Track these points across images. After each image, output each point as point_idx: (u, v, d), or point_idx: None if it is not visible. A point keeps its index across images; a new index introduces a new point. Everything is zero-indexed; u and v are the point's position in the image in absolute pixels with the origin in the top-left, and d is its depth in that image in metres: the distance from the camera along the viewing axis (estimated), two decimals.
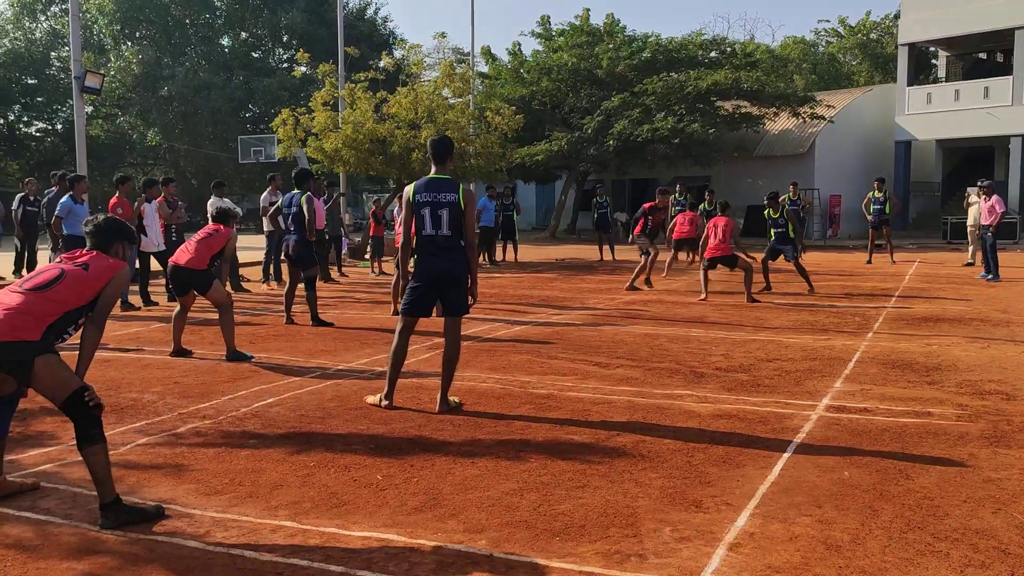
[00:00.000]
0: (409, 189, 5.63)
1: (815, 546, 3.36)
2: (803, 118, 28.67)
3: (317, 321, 9.41)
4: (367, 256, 18.73)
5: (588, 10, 32.40)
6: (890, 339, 8.33)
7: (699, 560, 3.25)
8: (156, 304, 11.55)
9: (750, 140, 30.31)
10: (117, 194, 11.53)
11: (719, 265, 11.94)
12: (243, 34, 43.98)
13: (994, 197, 14.54)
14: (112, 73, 37.45)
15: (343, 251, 17.44)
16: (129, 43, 40.83)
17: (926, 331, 8.82)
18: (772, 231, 13.09)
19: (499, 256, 19.61)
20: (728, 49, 30.32)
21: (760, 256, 13.03)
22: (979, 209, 17.05)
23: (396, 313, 5.89)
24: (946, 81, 32.83)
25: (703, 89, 27.12)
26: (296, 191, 9.53)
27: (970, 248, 17.63)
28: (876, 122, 31.70)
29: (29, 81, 40.59)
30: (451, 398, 5.69)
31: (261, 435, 5.04)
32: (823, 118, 28.64)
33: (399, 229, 16.63)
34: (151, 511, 3.73)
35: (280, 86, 38.38)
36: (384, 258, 17.67)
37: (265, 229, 14.35)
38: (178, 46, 41.38)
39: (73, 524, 3.68)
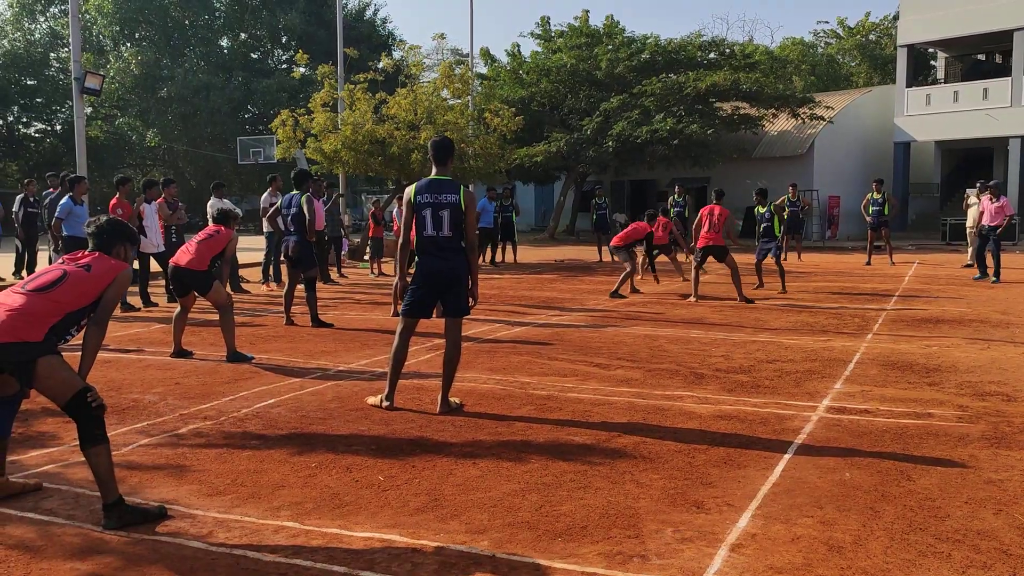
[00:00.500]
0: (410, 190, 5.64)
1: (817, 547, 3.37)
2: (802, 119, 28.71)
3: (317, 322, 9.41)
4: (366, 257, 18.74)
5: (587, 11, 32.45)
6: (890, 340, 8.35)
7: (701, 561, 3.25)
8: (156, 305, 11.56)
9: (749, 141, 30.34)
10: (117, 195, 11.53)
11: (709, 257, 11.91)
12: (242, 35, 44.00)
13: (1003, 198, 14.33)
14: (111, 74, 37.44)
15: (342, 252, 17.44)
16: (128, 44, 40.83)
17: (926, 332, 8.83)
18: (760, 226, 13.43)
19: (498, 257, 19.62)
20: (727, 50, 30.35)
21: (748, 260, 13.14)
22: (979, 211, 17.11)
23: (397, 314, 5.88)
24: (945, 82, 32.86)
25: (702, 90, 27.14)
26: (296, 192, 9.53)
27: (969, 249, 17.64)
28: (875, 123, 31.73)
29: (28, 82, 40.57)
30: (452, 399, 5.69)
31: (262, 436, 5.05)
32: (822, 119, 28.67)
33: (397, 229, 16.74)
34: (154, 511, 3.73)
35: (279, 87, 38.40)
36: (384, 259, 17.68)
37: (265, 230, 14.35)
38: (177, 47, 41.39)
39: (76, 525, 3.68)
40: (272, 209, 14.29)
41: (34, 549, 3.42)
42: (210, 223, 8.16)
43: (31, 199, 14.85)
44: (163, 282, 12.17)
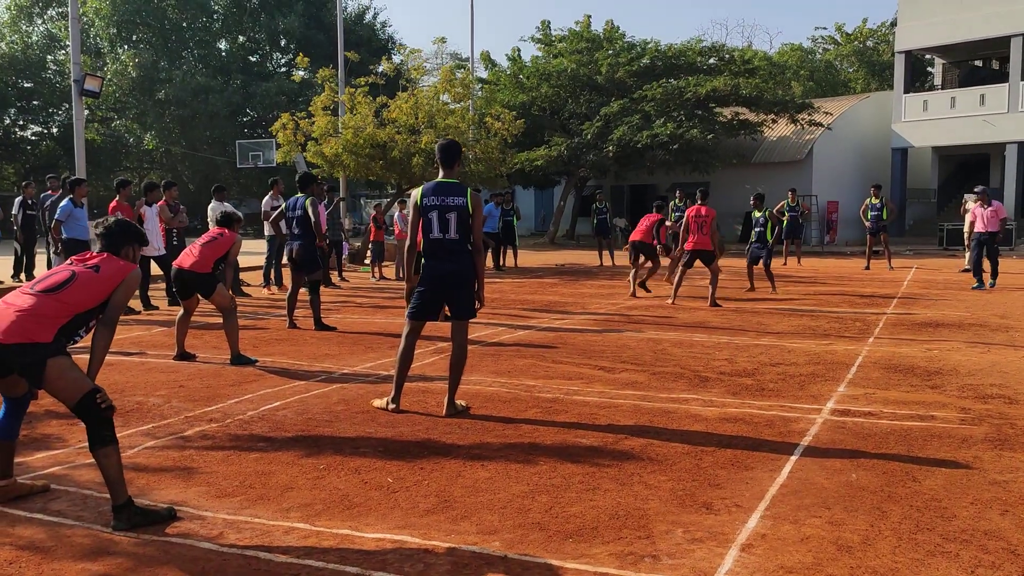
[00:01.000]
0: (417, 193, 5.65)
1: (826, 547, 3.38)
2: (801, 125, 28.79)
3: (320, 325, 9.41)
4: (367, 261, 18.75)
5: (589, 16, 32.53)
6: (891, 344, 8.37)
7: (712, 561, 3.27)
8: (156, 308, 11.56)
9: (748, 147, 30.41)
10: (117, 198, 11.53)
11: (697, 261, 11.89)
12: (240, 38, 44.03)
13: (994, 203, 14.22)
14: (109, 77, 37.44)
15: (343, 256, 17.45)
16: (126, 46, 40.83)
17: (926, 336, 8.86)
18: (753, 231, 13.60)
19: (500, 262, 19.63)
20: (727, 56, 30.45)
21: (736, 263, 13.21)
22: (971, 216, 17.16)
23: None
24: (942, 88, 32.98)
25: (702, 95, 27.23)
26: (300, 195, 9.54)
27: (967, 255, 17.68)
28: (873, 129, 31.83)
29: (25, 84, 40.55)
30: (458, 402, 5.70)
31: (269, 438, 5.05)
32: (821, 125, 28.76)
33: (398, 232, 16.77)
34: (163, 513, 3.74)
35: (278, 90, 38.42)
36: (384, 263, 17.69)
37: (266, 233, 14.36)
38: (175, 50, 41.39)
39: (85, 526, 3.68)
40: (276, 213, 14.33)
41: (44, 550, 3.42)
42: (211, 226, 8.16)
43: (29, 201, 14.84)
44: (163, 285, 12.19)
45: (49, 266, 12.84)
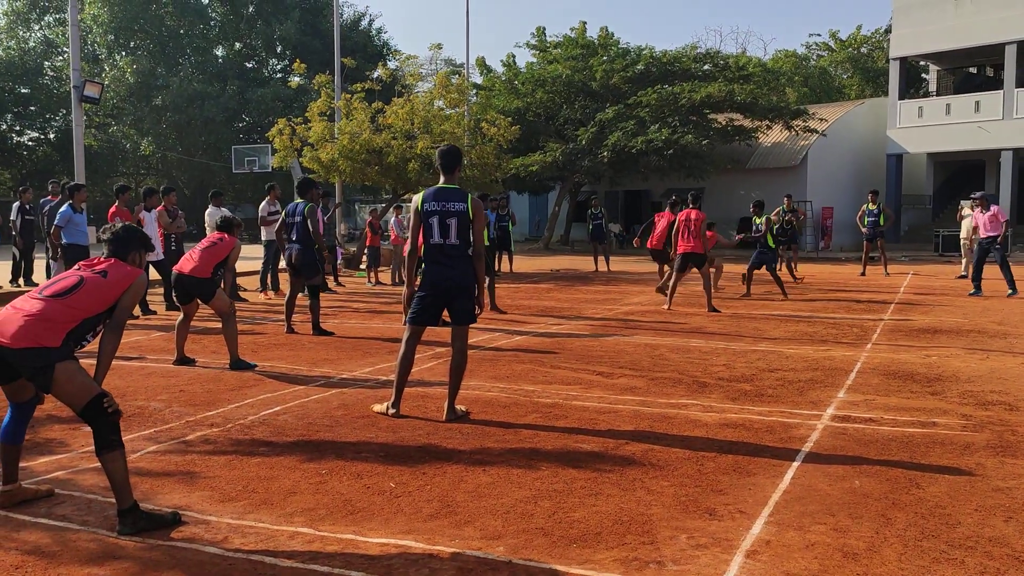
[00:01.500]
0: (418, 198, 5.67)
1: (832, 554, 3.39)
2: (795, 131, 28.88)
3: (318, 330, 9.41)
4: (363, 266, 18.74)
5: (584, 23, 32.63)
6: (889, 350, 8.40)
7: (717, 567, 3.27)
8: (155, 313, 11.54)
9: (743, 152, 30.49)
10: (116, 203, 11.52)
11: (689, 266, 11.87)
12: (237, 45, 44.04)
13: (993, 207, 14.07)
14: (106, 83, 37.39)
15: (338, 261, 17.44)
16: (123, 53, 40.81)
17: (924, 342, 8.89)
18: (752, 234, 13.83)
19: (495, 267, 19.62)
20: (721, 62, 30.55)
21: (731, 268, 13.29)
22: (972, 222, 17.23)
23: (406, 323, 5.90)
24: (937, 95, 33.12)
25: (697, 101, 27.31)
26: (299, 201, 9.54)
27: (963, 261, 17.76)
28: (868, 135, 31.94)
29: (22, 90, 40.48)
30: (458, 407, 5.70)
31: (271, 443, 5.05)
32: (815, 131, 28.85)
33: (394, 237, 16.77)
34: (168, 517, 3.73)
35: (274, 96, 38.42)
36: (380, 268, 17.69)
37: (263, 238, 14.34)
38: (172, 56, 41.37)
39: (90, 530, 3.68)
40: (272, 218, 14.32)
41: (50, 555, 3.42)
42: (208, 231, 8.17)
43: (27, 207, 14.82)
44: (162, 290, 12.17)
45: (47, 271, 12.82)
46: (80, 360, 3.70)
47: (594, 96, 29.99)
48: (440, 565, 3.31)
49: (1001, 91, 28.68)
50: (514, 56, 33.36)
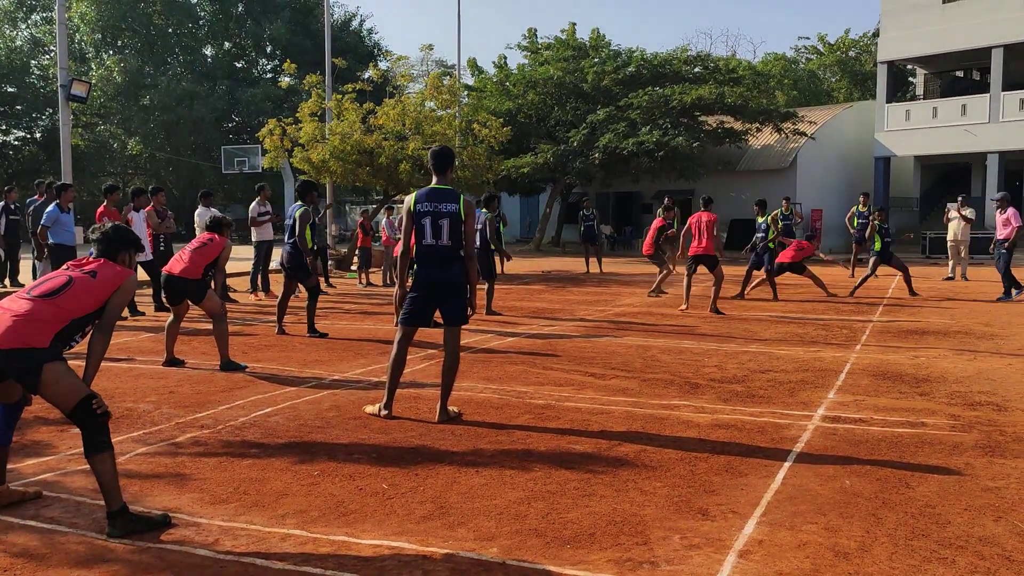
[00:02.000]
0: (410, 199, 5.66)
1: (824, 553, 3.40)
2: (785, 134, 28.99)
3: (312, 331, 9.37)
4: (354, 268, 18.69)
5: (574, 24, 32.65)
6: (878, 351, 8.43)
7: (711, 567, 3.28)
8: (143, 314, 11.47)
9: (733, 155, 30.59)
10: (105, 203, 11.46)
11: (699, 267, 11.98)
12: (226, 44, 43.85)
13: (1010, 210, 13.63)
14: (93, 82, 37.17)
15: (328, 263, 17.39)
16: (111, 52, 40.58)
17: (912, 343, 8.93)
18: (756, 237, 13.82)
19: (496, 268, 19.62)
20: (711, 65, 30.63)
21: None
22: (959, 224, 17.35)
23: (398, 324, 5.88)
24: (924, 98, 33.31)
25: (687, 104, 27.37)
26: (297, 202, 9.47)
27: (950, 263, 17.87)
28: (856, 138, 32.10)
29: (8, 89, 40.19)
30: (450, 408, 5.69)
31: (262, 444, 5.03)
32: (804, 134, 28.97)
33: (385, 238, 16.74)
34: (158, 519, 3.71)
35: (264, 96, 38.25)
36: (371, 269, 17.65)
37: (253, 239, 14.29)
38: (160, 55, 41.15)
39: (79, 533, 3.65)
40: (263, 219, 14.27)
41: (39, 557, 3.39)
42: (198, 232, 8.13)
43: (13, 206, 14.71)
44: (150, 291, 12.11)
45: (33, 272, 12.73)
46: (68, 361, 3.67)
47: (585, 98, 30.02)
48: (433, 567, 3.30)
49: (987, 95, 28.87)
50: (505, 57, 33.35)
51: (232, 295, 13.95)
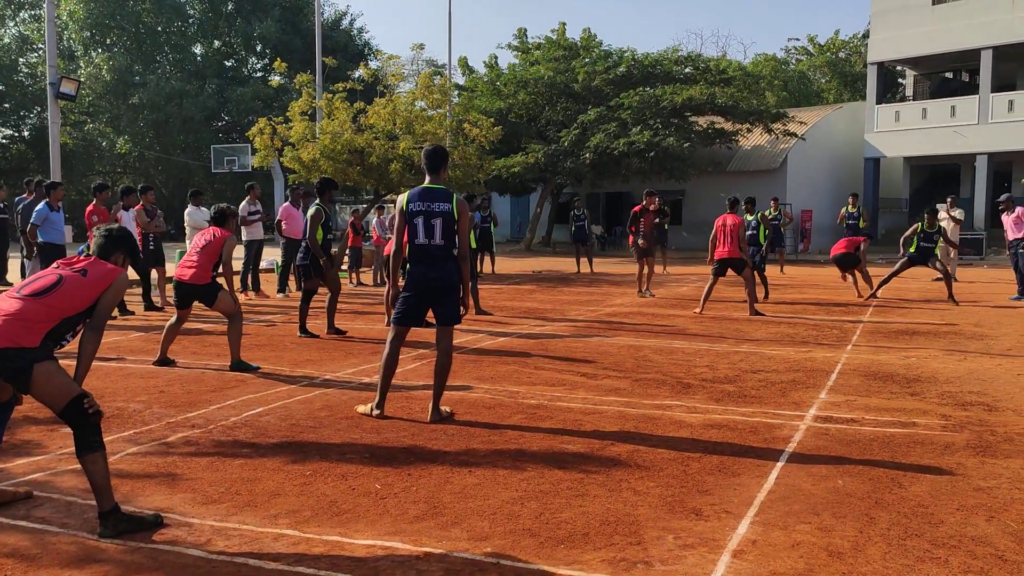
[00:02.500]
0: (402, 198, 5.64)
1: (817, 553, 3.41)
2: (775, 134, 29.09)
3: (333, 329, 9.36)
4: (344, 267, 18.63)
5: (564, 24, 32.68)
6: (869, 351, 8.46)
7: (705, 567, 3.28)
8: (132, 313, 11.40)
9: (724, 155, 30.67)
10: (94, 201, 11.39)
11: (728, 271, 11.62)
12: (216, 43, 43.69)
13: (1018, 209, 13.50)
14: (82, 80, 36.97)
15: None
16: (100, 50, 40.36)
17: (903, 344, 8.97)
18: (748, 234, 13.71)
19: (478, 268, 19.61)
20: (702, 66, 30.71)
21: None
22: (948, 225, 17.42)
23: (389, 323, 5.87)
24: (913, 100, 33.47)
25: (678, 104, 27.44)
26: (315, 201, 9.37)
27: (938, 263, 17.91)
28: (846, 139, 32.24)
29: None
30: (443, 408, 5.68)
31: (254, 444, 5.00)
32: (795, 135, 29.07)
33: (376, 238, 16.70)
34: (150, 520, 3.69)
35: (254, 95, 38.14)
36: (362, 269, 17.60)
37: (243, 238, 14.23)
38: (149, 54, 40.97)
39: (71, 533, 3.62)
40: (253, 218, 14.22)
41: (30, 558, 3.36)
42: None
43: (1, 205, 14.60)
44: (139, 290, 12.05)
45: (22, 270, 12.65)
46: (59, 360, 3.65)
47: (576, 98, 30.05)
48: (427, 567, 3.29)
49: (976, 96, 29.03)
50: (496, 57, 33.45)
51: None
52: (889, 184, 32.79)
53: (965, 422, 5.57)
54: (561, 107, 30.31)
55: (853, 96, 42.66)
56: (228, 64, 43.96)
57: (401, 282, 5.74)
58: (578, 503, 3.99)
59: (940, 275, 13.43)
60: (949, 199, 18.01)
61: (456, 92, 30.55)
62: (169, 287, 10.37)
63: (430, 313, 5.71)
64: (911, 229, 13.71)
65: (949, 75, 34.51)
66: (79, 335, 3.82)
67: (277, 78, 25.95)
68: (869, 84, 31.81)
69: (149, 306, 11.72)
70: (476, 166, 21.35)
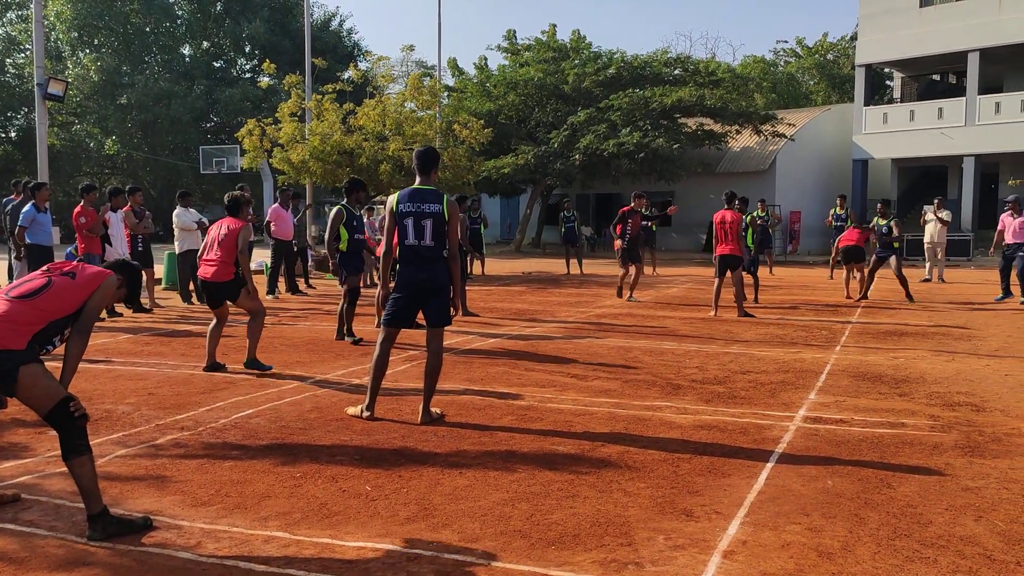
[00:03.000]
0: (392, 199, 5.63)
1: (807, 553, 3.42)
2: (764, 136, 29.18)
3: (350, 334, 9.15)
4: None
5: (555, 25, 32.70)
6: (858, 352, 8.50)
7: (695, 567, 3.28)
8: (120, 315, 11.34)
9: (713, 157, 30.74)
10: (82, 203, 11.32)
11: (728, 270, 11.46)
12: (205, 43, 43.52)
13: None
14: (70, 81, 36.75)
15: (308, 263, 17.28)
16: (87, 50, 40.14)
17: (891, 344, 9.01)
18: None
19: (467, 269, 19.59)
20: (691, 67, 30.78)
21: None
22: (936, 226, 17.53)
23: (380, 325, 5.86)
24: (901, 102, 33.63)
25: (667, 106, 27.48)
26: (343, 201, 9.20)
27: (927, 265, 18.06)
28: (834, 140, 32.37)
29: None
30: (433, 409, 5.67)
31: (243, 446, 4.98)
32: (784, 136, 29.17)
33: (368, 238, 16.64)
34: (139, 522, 3.67)
35: (242, 96, 38.01)
36: None
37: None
38: (138, 54, 40.77)
39: (59, 536, 3.60)
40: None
41: (18, 561, 3.34)
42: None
43: None
44: None
45: (9, 272, 12.55)
46: (45, 363, 3.62)
47: (566, 99, 30.08)
48: (418, 568, 3.28)
49: (964, 98, 29.18)
50: (486, 58, 33.42)
51: None
52: (877, 185, 32.92)
53: (953, 422, 5.60)
54: (551, 108, 30.33)
55: (841, 98, 42.84)
56: (217, 65, 43.81)
57: (391, 283, 5.74)
58: (569, 504, 3.99)
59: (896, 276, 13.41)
60: (936, 200, 18.11)
61: (446, 93, 30.53)
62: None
63: (421, 315, 5.70)
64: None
65: (936, 77, 34.70)
66: (66, 340, 3.79)
67: (266, 79, 25.82)
68: (857, 86, 31.93)
69: (138, 308, 11.65)
70: (466, 167, 21.34)
